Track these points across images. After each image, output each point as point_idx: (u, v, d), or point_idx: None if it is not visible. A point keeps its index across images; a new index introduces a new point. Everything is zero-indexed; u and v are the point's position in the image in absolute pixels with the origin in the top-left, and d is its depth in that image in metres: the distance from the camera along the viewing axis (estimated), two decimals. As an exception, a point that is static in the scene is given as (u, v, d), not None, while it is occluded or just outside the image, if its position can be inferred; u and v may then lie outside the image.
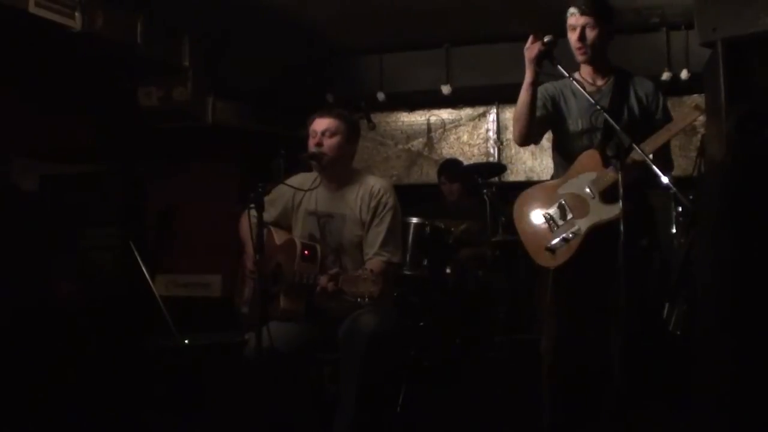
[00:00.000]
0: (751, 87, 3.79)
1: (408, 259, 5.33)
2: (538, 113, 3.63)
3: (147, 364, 5.17)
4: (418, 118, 7.87)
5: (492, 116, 7.62)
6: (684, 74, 6.28)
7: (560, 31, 3.62)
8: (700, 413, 4.11)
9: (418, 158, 7.85)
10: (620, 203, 3.32)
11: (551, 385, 3.67)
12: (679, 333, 4.99)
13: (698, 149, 6.05)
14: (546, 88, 3.72)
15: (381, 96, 7.12)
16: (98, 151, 6.30)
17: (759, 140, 3.63)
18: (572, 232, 3.49)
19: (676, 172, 6.73)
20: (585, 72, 3.69)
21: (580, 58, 3.63)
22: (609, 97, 3.61)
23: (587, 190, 3.53)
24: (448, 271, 5.63)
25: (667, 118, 3.59)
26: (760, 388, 3.49)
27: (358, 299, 3.42)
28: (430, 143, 7.83)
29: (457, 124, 7.77)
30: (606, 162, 3.49)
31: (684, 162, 6.91)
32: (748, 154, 3.66)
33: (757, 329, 3.53)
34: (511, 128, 6.84)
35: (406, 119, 7.91)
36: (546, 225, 3.60)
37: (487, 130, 7.64)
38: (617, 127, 3.21)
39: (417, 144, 7.86)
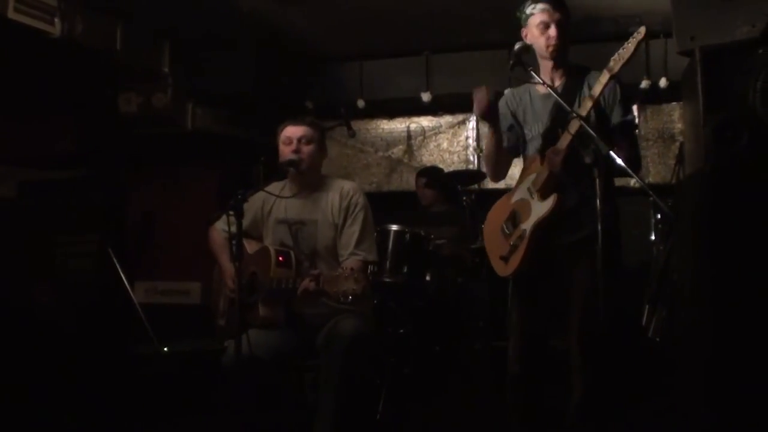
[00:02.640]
0: (728, 95, 3.81)
1: (388, 266, 5.33)
2: (507, 124, 3.67)
3: (126, 372, 5.14)
4: (398, 125, 7.86)
5: (472, 124, 7.61)
6: (662, 82, 6.31)
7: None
8: (680, 419, 4.13)
9: (398, 165, 7.84)
10: (553, 197, 3.35)
11: (516, 397, 3.64)
12: (658, 339, 5.01)
13: (676, 157, 6.11)
14: (507, 102, 3.70)
15: (361, 103, 7.13)
16: (77, 157, 6.25)
17: (737, 148, 3.65)
18: (519, 237, 3.46)
19: (654, 180, 6.87)
20: (543, 72, 3.56)
21: (551, 54, 3.52)
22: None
23: (528, 192, 3.51)
24: (427, 278, 5.62)
25: (626, 115, 3.48)
26: (740, 393, 3.51)
27: (341, 299, 3.36)
28: (410, 150, 7.82)
29: (437, 131, 7.77)
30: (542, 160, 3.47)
31: (663, 169, 6.96)
32: (725, 162, 3.68)
33: (736, 336, 3.55)
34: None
35: (386, 126, 7.90)
36: (502, 235, 3.58)
37: (467, 138, 7.64)
38: (594, 135, 3.12)
39: (397, 151, 7.85)
